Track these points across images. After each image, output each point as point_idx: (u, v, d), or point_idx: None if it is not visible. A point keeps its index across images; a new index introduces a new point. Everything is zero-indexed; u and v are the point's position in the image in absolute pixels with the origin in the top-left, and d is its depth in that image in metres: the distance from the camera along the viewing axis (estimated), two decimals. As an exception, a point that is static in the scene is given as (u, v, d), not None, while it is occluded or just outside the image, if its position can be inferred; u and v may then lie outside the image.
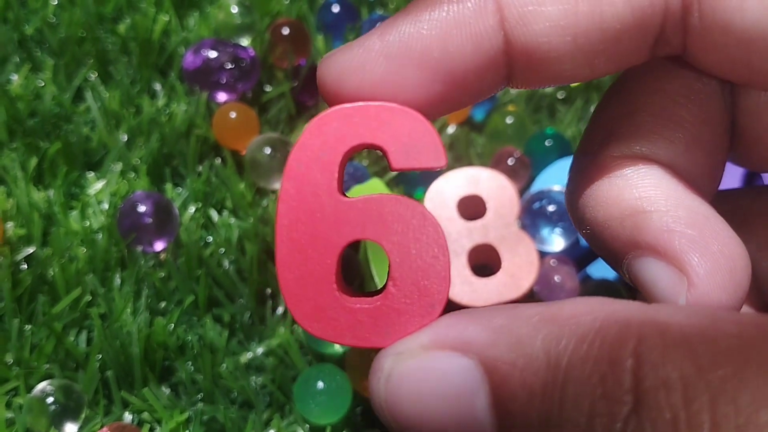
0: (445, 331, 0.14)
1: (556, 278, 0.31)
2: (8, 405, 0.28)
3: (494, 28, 0.15)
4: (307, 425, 0.29)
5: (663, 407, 0.11)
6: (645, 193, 0.15)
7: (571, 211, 0.17)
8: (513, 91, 0.38)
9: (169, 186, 0.34)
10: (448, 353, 0.14)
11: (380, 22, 0.37)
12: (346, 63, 0.15)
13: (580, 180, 0.17)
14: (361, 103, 0.15)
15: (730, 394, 0.11)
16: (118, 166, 0.34)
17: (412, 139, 0.15)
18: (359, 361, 0.29)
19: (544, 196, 0.31)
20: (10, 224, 0.32)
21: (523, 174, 0.34)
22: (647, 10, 0.15)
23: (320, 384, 0.28)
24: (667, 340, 0.12)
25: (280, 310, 0.31)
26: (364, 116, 0.15)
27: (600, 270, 0.32)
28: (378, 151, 0.33)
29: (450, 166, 0.35)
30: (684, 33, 0.15)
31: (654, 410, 0.11)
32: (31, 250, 0.31)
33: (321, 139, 0.15)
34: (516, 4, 0.15)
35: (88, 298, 0.30)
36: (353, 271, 0.31)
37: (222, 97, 0.35)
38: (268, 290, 0.32)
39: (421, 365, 0.14)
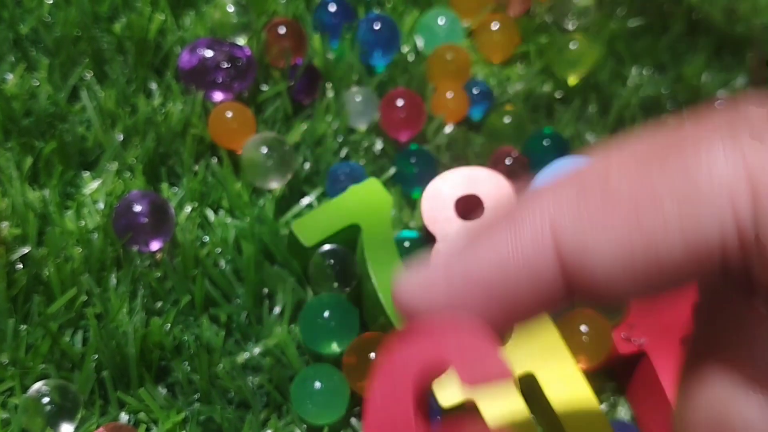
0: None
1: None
2: (3, 405, 0.28)
3: (551, 262, 0.15)
4: (305, 425, 0.29)
5: None
6: None
7: None
8: (510, 91, 0.38)
9: (165, 185, 0.34)
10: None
11: (376, 21, 0.37)
12: (415, 286, 0.16)
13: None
14: (425, 332, 0.15)
15: None
16: (114, 166, 0.34)
17: (476, 358, 0.15)
18: (356, 362, 0.29)
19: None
20: (5, 224, 0.32)
21: (522, 174, 0.34)
22: (702, 250, 0.14)
23: (317, 384, 0.28)
24: None
25: (276, 310, 0.31)
26: (429, 346, 0.15)
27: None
28: (375, 152, 0.32)
29: (447, 166, 0.35)
30: (747, 269, 0.14)
31: None
32: (26, 249, 0.31)
33: (391, 381, 0.15)
34: (572, 241, 0.15)
35: (84, 298, 0.30)
36: (350, 271, 0.31)
37: (218, 96, 0.35)
38: (265, 290, 0.32)
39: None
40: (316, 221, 0.31)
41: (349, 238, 0.31)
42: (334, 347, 0.30)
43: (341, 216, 0.31)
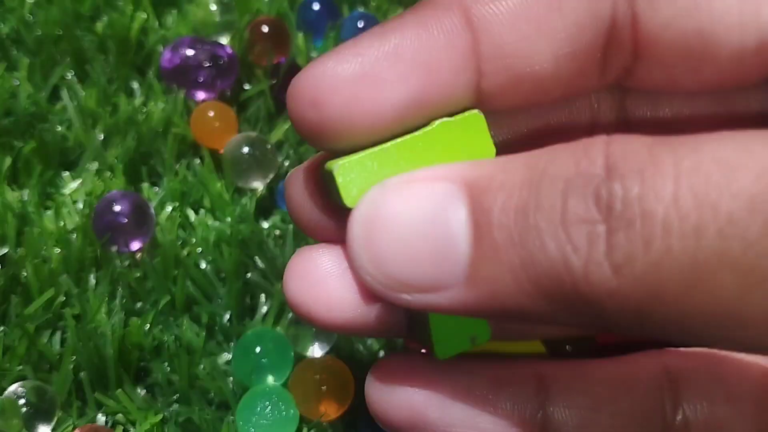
0: (434, 169, 0.15)
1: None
2: (-20, 408, 0.28)
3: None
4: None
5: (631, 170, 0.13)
6: None
7: None
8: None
9: (145, 185, 0.33)
10: (431, 182, 0.14)
11: (361, 19, 0.37)
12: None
13: None
14: None
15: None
16: (94, 166, 0.33)
17: None
18: (304, 385, 0.28)
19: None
20: (-17, 224, 0.31)
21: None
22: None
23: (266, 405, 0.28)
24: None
25: (260, 310, 0.31)
26: None
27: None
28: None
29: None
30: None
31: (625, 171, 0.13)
32: (4, 250, 0.31)
33: None
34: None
35: (62, 298, 0.30)
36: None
37: (200, 95, 0.35)
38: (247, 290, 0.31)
39: (404, 193, 0.14)
40: (371, 169, 0.18)
41: None
42: (270, 380, 0.29)
43: (412, 167, 0.18)
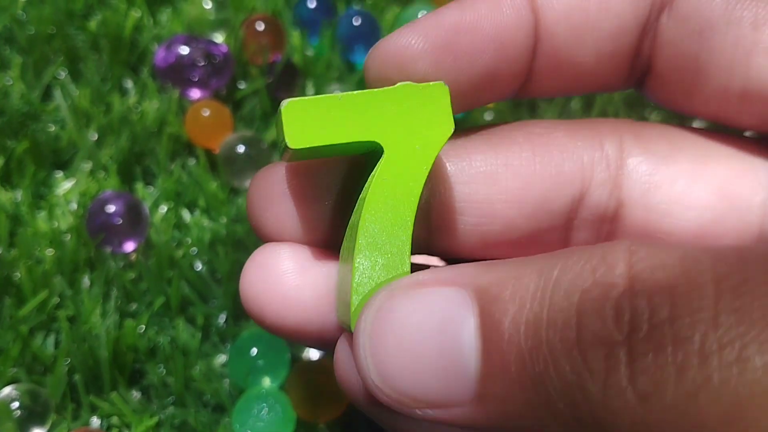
0: (444, 271, 0.13)
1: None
2: (-28, 411, 0.28)
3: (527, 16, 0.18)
4: (281, 428, 0.28)
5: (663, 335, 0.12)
6: None
7: None
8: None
9: (140, 185, 0.33)
10: (440, 288, 0.13)
11: (357, 16, 0.36)
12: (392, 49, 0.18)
13: None
14: None
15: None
16: (88, 165, 0.33)
17: None
18: (300, 388, 0.28)
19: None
20: (-25, 225, 0.31)
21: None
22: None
23: (262, 409, 0.27)
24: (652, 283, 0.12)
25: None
26: None
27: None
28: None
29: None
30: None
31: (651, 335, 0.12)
32: (-3, 251, 0.31)
33: None
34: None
35: (56, 300, 0.30)
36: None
37: (195, 94, 0.35)
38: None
39: (412, 299, 0.13)
40: (319, 114, 0.18)
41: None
42: (266, 382, 0.29)
43: (361, 122, 0.18)
